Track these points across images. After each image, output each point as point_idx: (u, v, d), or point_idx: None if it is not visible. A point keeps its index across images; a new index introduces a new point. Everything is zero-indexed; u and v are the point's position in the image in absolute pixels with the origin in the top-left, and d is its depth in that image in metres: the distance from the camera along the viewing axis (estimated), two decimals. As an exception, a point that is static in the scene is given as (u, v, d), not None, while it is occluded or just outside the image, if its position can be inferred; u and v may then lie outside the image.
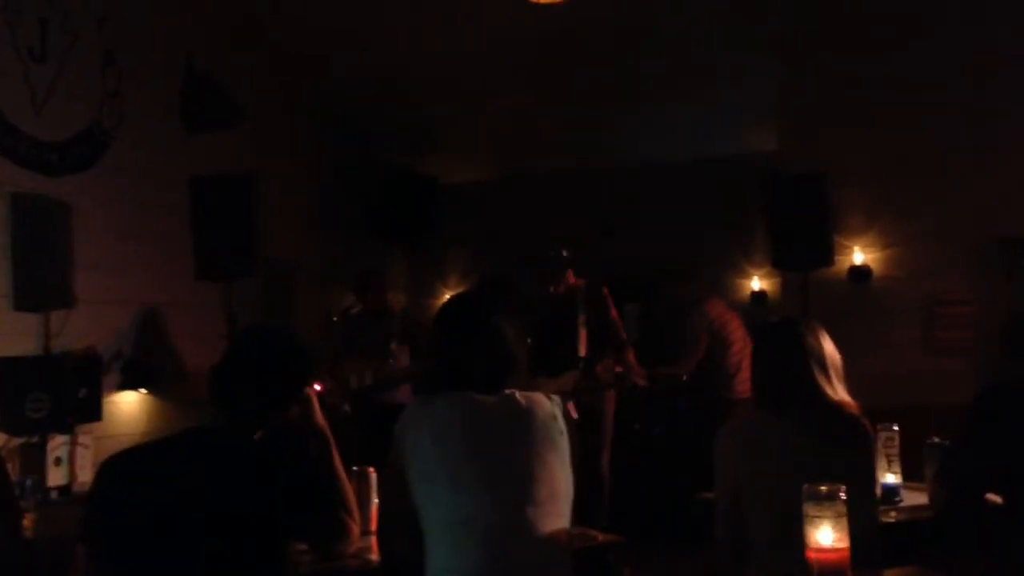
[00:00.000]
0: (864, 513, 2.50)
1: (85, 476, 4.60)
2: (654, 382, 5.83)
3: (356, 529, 2.41)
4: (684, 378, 6.14)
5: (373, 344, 6.05)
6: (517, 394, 2.40)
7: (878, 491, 3.06)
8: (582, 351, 5.38)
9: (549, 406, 2.42)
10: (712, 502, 2.70)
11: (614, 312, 5.60)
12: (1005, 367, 2.79)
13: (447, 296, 8.61)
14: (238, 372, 2.30)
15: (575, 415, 5.27)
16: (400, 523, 2.38)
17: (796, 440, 2.54)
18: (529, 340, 5.36)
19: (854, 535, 1.93)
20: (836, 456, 2.48)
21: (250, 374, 2.30)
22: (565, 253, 5.53)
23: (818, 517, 1.88)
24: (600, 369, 5.47)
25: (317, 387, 2.47)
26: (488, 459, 2.30)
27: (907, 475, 3.37)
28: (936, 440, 3.20)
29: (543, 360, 5.33)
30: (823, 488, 1.89)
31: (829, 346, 2.71)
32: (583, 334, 5.38)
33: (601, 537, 2.96)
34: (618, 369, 5.57)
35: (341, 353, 6.03)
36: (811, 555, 1.90)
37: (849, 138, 6.15)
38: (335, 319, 6.47)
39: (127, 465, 2.20)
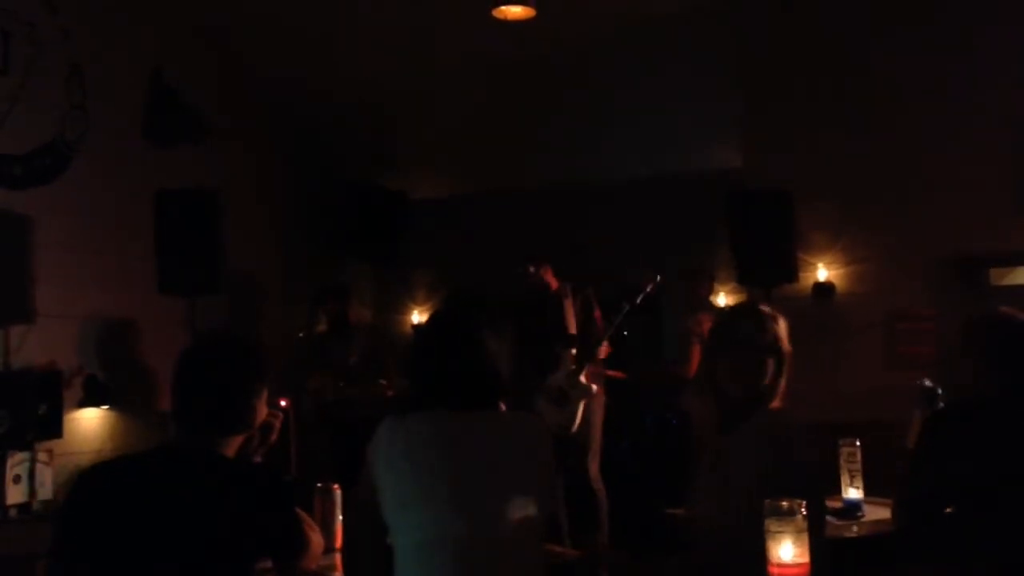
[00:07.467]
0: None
1: (45, 494, 4.53)
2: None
3: (317, 539, 2.37)
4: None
5: (336, 361, 6.04)
6: (499, 411, 2.37)
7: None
8: (572, 328, 5.36)
9: (532, 424, 2.41)
10: (680, 518, 2.70)
11: (598, 311, 5.56)
12: (986, 378, 2.75)
13: (415, 311, 8.60)
14: (195, 384, 2.27)
15: (596, 386, 5.26)
16: (367, 541, 2.36)
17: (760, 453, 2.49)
18: (514, 347, 5.37)
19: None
20: (789, 469, 2.44)
21: (207, 384, 2.26)
22: (532, 269, 5.55)
23: (780, 532, 1.90)
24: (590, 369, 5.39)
25: (283, 403, 2.44)
26: (461, 477, 2.27)
27: (869, 490, 3.41)
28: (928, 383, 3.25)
29: (538, 360, 5.30)
30: (784, 504, 1.90)
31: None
32: (571, 313, 5.38)
33: (572, 553, 2.97)
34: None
35: (307, 369, 6.03)
36: (772, 570, 1.91)
37: (812, 156, 6.21)
38: (301, 335, 6.44)
39: (101, 480, 2.17)
